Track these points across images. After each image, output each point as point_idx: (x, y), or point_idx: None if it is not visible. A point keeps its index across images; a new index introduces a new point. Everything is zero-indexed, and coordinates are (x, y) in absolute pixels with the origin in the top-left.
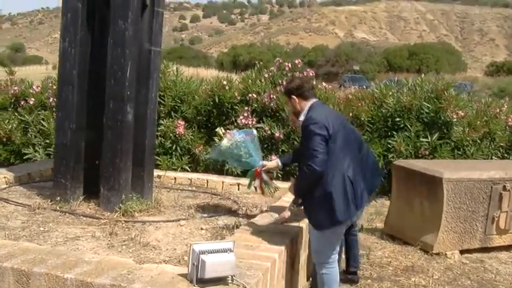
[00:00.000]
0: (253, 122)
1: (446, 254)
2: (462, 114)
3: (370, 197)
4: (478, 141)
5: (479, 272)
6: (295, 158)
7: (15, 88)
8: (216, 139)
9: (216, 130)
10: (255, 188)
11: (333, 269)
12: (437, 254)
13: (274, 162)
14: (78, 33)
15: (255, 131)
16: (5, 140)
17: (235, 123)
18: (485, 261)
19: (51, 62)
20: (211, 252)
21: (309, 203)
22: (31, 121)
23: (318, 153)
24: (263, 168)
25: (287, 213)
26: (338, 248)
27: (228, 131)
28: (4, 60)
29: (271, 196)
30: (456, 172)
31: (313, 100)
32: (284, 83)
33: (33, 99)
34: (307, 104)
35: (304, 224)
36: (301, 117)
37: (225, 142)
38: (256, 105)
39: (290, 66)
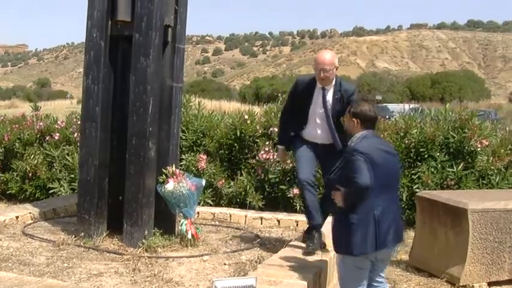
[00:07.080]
0: (275, 157)
1: (473, 286)
2: (486, 143)
3: (398, 243)
4: (503, 170)
5: None
6: None
7: (41, 123)
8: (160, 178)
9: (166, 168)
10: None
11: None
12: (464, 286)
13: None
14: (101, 71)
15: (204, 182)
16: (30, 175)
17: (257, 158)
18: None
19: (75, 96)
20: None
21: (333, 225)
22: (56, 156)
23: (361, 169)
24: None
25: None
26: (362, 284)
27: (179, 172)
28: (30, 95)
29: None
30: (481, 202)
31: (370, 130)
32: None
33: (58, 134)
34: (362, 133)
35: (328, 257)
36: (350, 142)
37: (169, 187)
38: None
39: None
